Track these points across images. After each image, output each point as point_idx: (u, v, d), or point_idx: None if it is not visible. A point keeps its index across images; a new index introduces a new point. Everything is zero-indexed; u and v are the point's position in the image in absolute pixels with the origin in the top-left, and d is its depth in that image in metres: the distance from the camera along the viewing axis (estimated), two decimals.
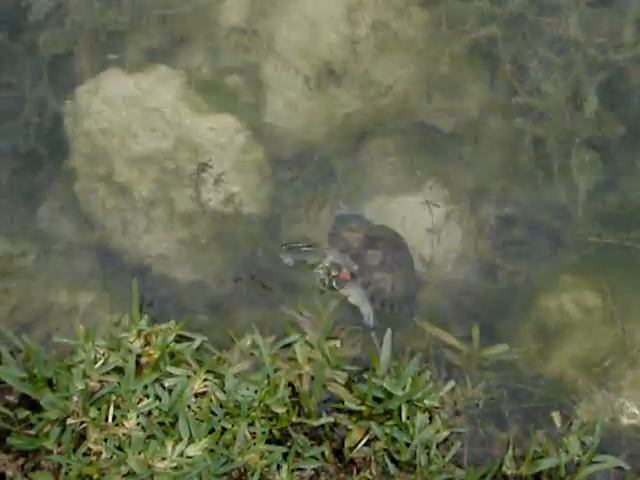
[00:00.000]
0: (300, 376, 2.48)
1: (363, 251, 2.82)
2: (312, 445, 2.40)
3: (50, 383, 2.38)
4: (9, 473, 2.29)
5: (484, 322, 2.74)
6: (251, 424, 2.36)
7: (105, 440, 2.28)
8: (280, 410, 2.38)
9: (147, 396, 2.37)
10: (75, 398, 2.32)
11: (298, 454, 2.37)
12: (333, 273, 2.78)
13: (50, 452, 2.28)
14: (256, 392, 2.40)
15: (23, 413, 2.34)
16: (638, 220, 2.92)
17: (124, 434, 2.29)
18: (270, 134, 2.99)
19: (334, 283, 2.77)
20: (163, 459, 2.24)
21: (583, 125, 3.11)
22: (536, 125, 3.11)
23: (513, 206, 3.00)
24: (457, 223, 2.99)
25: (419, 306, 2.84)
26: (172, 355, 2.48)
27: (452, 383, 2.58)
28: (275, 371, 2.48)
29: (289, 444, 2.37)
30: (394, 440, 2.40)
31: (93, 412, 2.31)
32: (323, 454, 2.40)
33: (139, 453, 2.25)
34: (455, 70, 3.19)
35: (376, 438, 2.42)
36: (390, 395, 2.44)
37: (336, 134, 3.04)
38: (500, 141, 3.13)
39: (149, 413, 2.34)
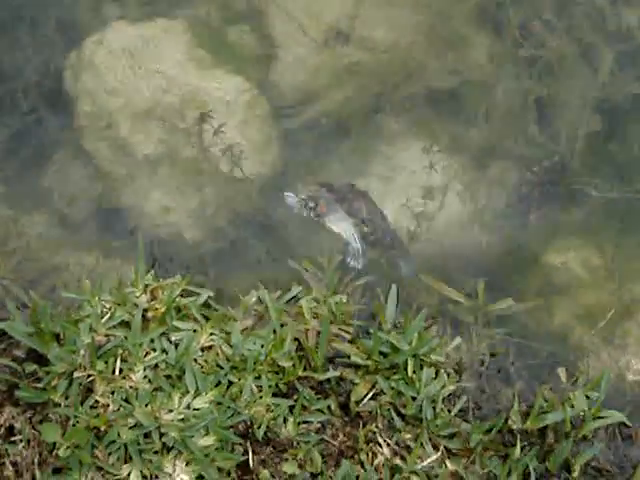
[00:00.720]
0: (306, 331, 2.48)
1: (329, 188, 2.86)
2: (318, 399, 2.40)
3: (57, 338, 2.38)
4: (17, 425, 2.30)
5: (488, 278, 2.74)
6: (257, 378, 2.36)
7: (112, 393, 2.29)
8: (286, 364, 2.39)
9: (154, 350, 2.37)
10: (82, 352, 2.32)
11: (304, 407, 2.37)
12: (310, 205, 2.79)
13: (58, 405, 2.28)
14: (262, 346, 2.41)
15: (31, 367, 2.35)
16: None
17: (131, 387, 2.29)
18: (277, 91, 2.98)
19: (312, 215, 2.79)
20: (170, 411, 2.25)
21: (592, 81, 3.11)
22: (542, 82, 3.10)
23: (517, 162, 2.99)
24: (463, 182, 2.99)
25: (414, 260, 2.85)
26: (178, 310, 2.48)
27: (458, 339, 2.58)
28: (281, 326, 2.48)
29: (295, 398, 2.37)
30: (400, 394, 2.41)
31: (100, 365, 2.32)
32: (329, 407, 2.40)
33: (146, 405, 2.26)
34: (462, 27, 3.18)
35: (382, 392, 2.42)
36: (396, 349, 2.44)
37: (345, 93, 3.03)
38: (506, 97, 3.12)
39: (156, 366, 2.34)
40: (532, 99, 3.13)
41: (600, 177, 2.94)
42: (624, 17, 3.20)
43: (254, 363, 2.37)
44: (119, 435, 2.21)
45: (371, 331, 2.48)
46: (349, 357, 2.46)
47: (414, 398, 2.41)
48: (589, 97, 3.07)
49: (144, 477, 2.19)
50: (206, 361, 2.37)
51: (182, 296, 2.51)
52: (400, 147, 3.04)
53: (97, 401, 2.28)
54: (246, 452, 2.30)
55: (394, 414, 2.40)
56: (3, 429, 2.30)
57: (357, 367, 2.47)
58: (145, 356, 2.35)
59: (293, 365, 2.39)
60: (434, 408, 2.41)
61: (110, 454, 2.20)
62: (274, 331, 2.46)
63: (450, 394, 2.46)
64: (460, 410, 2.46)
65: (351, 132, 3.04)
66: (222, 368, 2.37)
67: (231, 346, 2.40)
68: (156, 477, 2.20)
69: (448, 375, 2.48)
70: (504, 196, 2.99)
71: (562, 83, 3.13)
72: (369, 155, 3.02)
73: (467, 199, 2.95)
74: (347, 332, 2.53)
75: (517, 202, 2.97)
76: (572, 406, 2.46)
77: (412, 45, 3.13)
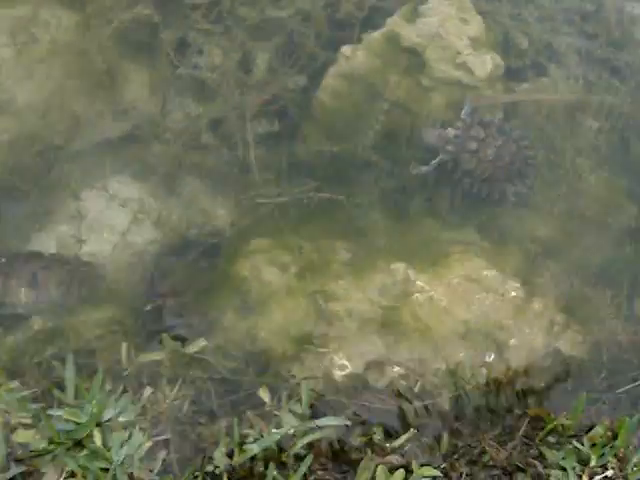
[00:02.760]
0: None
1: None
2: None
3: None
4: None
5: (181, 304, 2.64)
6: None
7: None
8: None
9: None
10: None
11: None
12: None
13: None
14: None
15: None
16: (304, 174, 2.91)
17: None
18: None
19: None
20: None
21: (255, 88, 3.07)
22: (209, 101, 3.04)
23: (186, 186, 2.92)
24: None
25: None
26: None
27: (149, 390, 2.44)
28: None
29: None
30: (87, 470, 2.24)
31: None
32: None
33: None
34: (112, 63, 3.06)
35: (73, 474, 2.25)
36: (78, 424, 2.27)
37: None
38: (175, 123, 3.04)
39: None
40: (203, 120, 3.05)
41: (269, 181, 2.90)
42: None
43: None
44: None
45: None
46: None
47: (107, 469, 2.24)
48: (252, 101, 3.02)
49: None
50: None
51: None
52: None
53: None
54: None
55: None
56: None
57: (44, 454, 2.28)
58: None
59: None
60: (132, 473, 2.26)
61: None
62: None
63: (149, 451, 2.31)
64: (163, 464, 2.31)
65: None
66: None
67: None
68: None
69: (144, 432, 2.33)
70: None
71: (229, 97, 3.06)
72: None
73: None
74: (26, 418, 2.33)
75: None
76: (279, 427, 2.37)
77: (67, 99, 2.98)
